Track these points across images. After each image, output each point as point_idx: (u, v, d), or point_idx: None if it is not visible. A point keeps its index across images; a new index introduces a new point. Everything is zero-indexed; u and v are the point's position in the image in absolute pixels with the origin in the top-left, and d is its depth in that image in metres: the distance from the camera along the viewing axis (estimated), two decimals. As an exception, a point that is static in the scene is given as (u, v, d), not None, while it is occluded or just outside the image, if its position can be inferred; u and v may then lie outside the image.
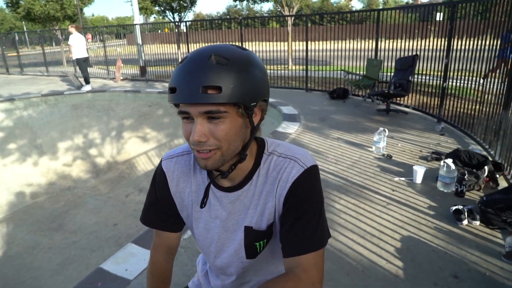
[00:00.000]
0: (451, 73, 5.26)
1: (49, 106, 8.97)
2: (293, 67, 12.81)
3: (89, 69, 10.40)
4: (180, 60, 0.74)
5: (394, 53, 6.77)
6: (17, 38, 14.98)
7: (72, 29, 9.35)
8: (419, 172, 3.39)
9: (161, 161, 0.97)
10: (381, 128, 4.33)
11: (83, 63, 9.60)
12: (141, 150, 8.07)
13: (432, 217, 2.78)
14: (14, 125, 8.27)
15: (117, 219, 5.61)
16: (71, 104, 9.11)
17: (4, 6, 19.70)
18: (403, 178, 3.51)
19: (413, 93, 6.59)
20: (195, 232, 0.97)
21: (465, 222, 2.65)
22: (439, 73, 5.56)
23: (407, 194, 3.18)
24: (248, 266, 0.93)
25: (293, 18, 13.36)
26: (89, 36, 15.22)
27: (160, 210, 0.97)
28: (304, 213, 0.79)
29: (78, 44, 9.41)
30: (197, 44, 11.03)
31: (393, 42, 6.82)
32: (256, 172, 0.84)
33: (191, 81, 0.69)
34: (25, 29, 34.28)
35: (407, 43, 6.43)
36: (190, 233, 2.72)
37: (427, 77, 6.26)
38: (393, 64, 6.65)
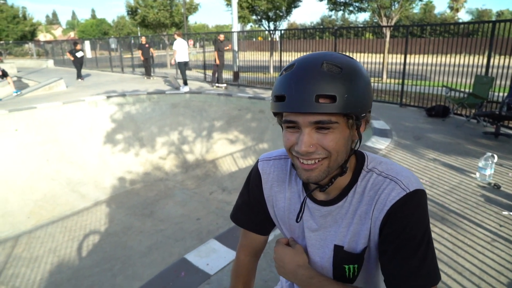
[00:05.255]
0: None
1: (152, 103, 9.96)
2: (388, 80, 12.17)
3: (189, 72, 11.30)
4: (274, 67, 0.73)
5: (509, 70, 5.99)
6: (132, 42, 16.98)
7: (176, 36, 10.44)
8: (536, 209, 2.92)
9: (257, 162, 0.96)
10: (489, 153, 3.84)
11: (183, 67, 10.55)
12: (227, 151, 8.45)
13: (550, 264, 2.37)
14: (123, 118, 9.37)
15: (200, 214, 5.94)
16: (171, 103, 9.98)
17: (125, 14, 22.46)
18: (513, 213, 3.06)
19: (531, 117, 5.73)
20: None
21: None
22: None
23: (518, 233, 2.76)
24: None
25: (391, 29, 12.71)
26: (191, 42, 16.57)
27: (251, 211, 0.97)
28: (405, 242, 0.71)
29: (181, 49, 10.38)
30: (290, 53, 11.17)
31: (509, 58, 6.03)
32: (353, 189, 0.79)
33: (303, 89, 0.67)
34: (139, 34, 38.73)
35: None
36: (272, 237, 2.74)
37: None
38: (508, 82, 5.87)
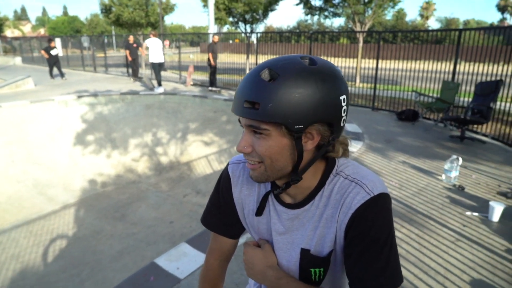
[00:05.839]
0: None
1: (126, 104, 9.73)
2: (361, 85, 12.46)
3: (164, 73, 11.11)
4: (250, 69, 0.74)
5: (473, 77, 6.28)
6: (106, 41, 16.55)
7: (152, 36, 10.37)
8: (497, 209, 3.05)
9: (228, 164, 0.96)
10: (454, 156, 4.00)
11: (157, 67, 10.39)
12: (202, 153, 8.36)
13: (510, 262, 2.48)
14: (94, 119, 9.10)
15: (174, 217, 5.84)
16: (145, 104, 9.79)
17: (99, 12, 21.88)
18: (476, 214, 3.19)
19: (493, 122, 6.03)
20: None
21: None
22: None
23: (480, 232, 2.88)
24: None
25: (364, 34, 13.03)
26: (167, 42, 16.32)
27: (221, 214, 0.96)
28: (370, 245, 0.72)
29: (155, 49, 10.21)
30: (266, 56, 11.23)
31: (473, 65, 6.32)
32: (319, 193, 0.79)
33: (240, 93, 0.70)
34: (113, 33, 37.78)
35: (489, 68, 5.93)
36: (244, 239, 2.73)
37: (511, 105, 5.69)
38: (472, 88, 6.15)
